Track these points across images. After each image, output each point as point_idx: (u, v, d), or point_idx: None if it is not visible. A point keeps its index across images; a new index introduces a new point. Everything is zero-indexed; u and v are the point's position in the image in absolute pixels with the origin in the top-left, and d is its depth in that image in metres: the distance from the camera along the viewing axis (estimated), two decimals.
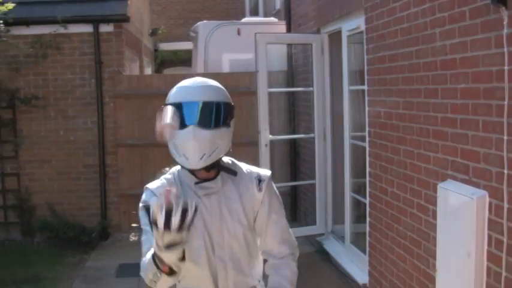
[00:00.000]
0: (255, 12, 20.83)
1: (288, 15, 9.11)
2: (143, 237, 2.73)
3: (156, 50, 17.17)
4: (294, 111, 9.21)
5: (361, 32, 6.11)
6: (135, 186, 9.04)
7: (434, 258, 4.31)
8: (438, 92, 4.31)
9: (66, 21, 8.70)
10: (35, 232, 8.94)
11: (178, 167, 2.86)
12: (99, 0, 9.12)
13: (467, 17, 3.82)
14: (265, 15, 19.51)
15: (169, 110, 2.63)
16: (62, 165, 9.07)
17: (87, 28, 8.91)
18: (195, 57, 12.05)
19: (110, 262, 7.87)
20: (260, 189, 2.82)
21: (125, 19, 8.99)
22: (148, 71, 14.11)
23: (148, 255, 2.53)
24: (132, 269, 7.42)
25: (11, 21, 8.38)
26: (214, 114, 2.71)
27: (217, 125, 2.70)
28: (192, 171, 2.77)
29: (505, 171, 3.46)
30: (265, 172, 2.90)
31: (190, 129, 2.65)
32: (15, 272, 7.44)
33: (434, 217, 4.31)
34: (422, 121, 4.59)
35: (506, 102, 3.42)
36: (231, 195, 2.81)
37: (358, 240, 6.80)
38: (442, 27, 4.19)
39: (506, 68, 3.41)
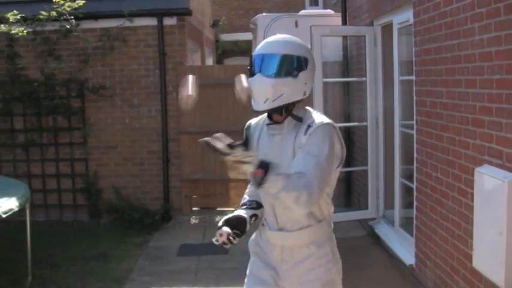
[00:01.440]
0: (315, 3, 20.98)
1: (343, 8, 9.35)
2: None
3: (217, 41, 17.58)
4: (349, 100, 9.46)
5: (411, 25, 6.36)
6: (196, 171, 9.48)
7: (472, 238, 4.59)
8: (476, 82, 4.58)
9: (132, 15, 9.07)
10: (102, 214, 9.43)
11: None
12: None
13: (502, 12, 4.09)
14: (325, 6, 19.67)
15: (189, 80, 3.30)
16: (127, 151, 9.50)
17: (152, 21, 9.28)
18: (254, 48, 12.41)
19: (171, 242, 8.25)
20: (305, 134, 3.14)
21: (188, 12, 9.33)
22: (209, 61, 14.48)
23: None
24: (192, 249, 7.90)
25: (81, 16, 8.91)
26: (277, 65, 3.13)
27: (278, 74, 3.13)
28: (268, 115, 3.30)
29: None
30: (322, 120, 3.18)
31: (256, 76, 3.17)
32: (84, 249, 7.90)
33: (472, 200, 4.60)
34: (463, 110, 4.87)
35: None
36: (289, 138, 3.20)
37: (407, 224, 7.05)
38: (480, 22, 4.45)
39: None
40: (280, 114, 3.24)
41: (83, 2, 8.83)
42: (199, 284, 6.68)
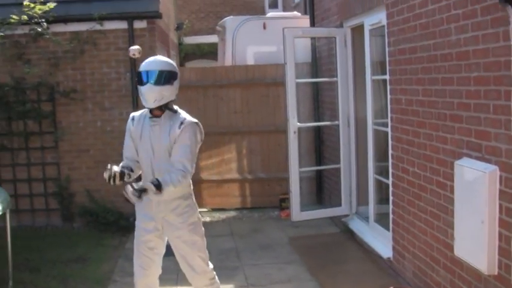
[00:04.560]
0: (273, 5, 21.18)
1: (311, 10, 9.55)
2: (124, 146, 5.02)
3: (180, 44, 17.65)
4: (318, 100, 9.66)
5: (382, 26, 6.58)
6: None
7: (452, 228, 4.82)
8: (454, 80, 4.82)
9: (102, 19, 9.10)
10: (75, 218, 9.40)
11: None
12: None
13: (479, 14, 4.33)
14: (285, 9, 19.91)
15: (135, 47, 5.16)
16: (99, 154, 9.46)
17: (122, 25, 9.28)
18: (221, 51, 12.53)
19: None
20: (179, 128, 4.66)
21: (158, 16, 9.35)
22: None
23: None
24: (170, 249, 7.93)
25: (51, 19, 8.91)
26: (163, 78, 4.63)
27: (162, 83, 4.61)
28: (150, 111, 4.76)
29: None
30: (190, 119, 4.74)
31: (147, 85, 4.62)
32: (61, 253, 7.89)
33: (452, 191, 4.83)
34: (440, 106, 5.10)
35: None
36: (165, 127, 4.70)
37: (381, 219, 7.27)
38: (457, 23, 4.69)
39: None
40: (161, 110, 4.70)
41: (54, 4, 8.82)
42: (182, 283, 6.75)
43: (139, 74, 4.70)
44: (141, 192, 4.51)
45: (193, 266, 4.96)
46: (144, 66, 4.72)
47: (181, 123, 4.67)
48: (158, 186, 4.50)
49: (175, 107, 4.81)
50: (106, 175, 4.59)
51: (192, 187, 4.99)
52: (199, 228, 4.96)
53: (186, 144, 4.66)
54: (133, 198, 4.55)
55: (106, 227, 9.03)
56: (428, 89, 5.33)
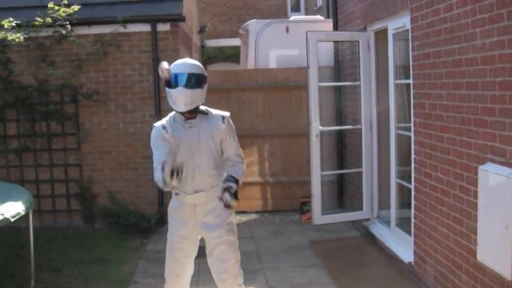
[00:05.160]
0: (296, 9, 21.19)
1: (334, 14, 9.55)
2: (155, 152, 4.63)
3: (202, 47, 17.69)
4: (341, 104, 9.62)
5: (406, 30, 6.56)
6: None
7: (475, 233, 4.78)
8: (479, 84, 4.79)
9: (125, 21, 9.14)
10: (96, 219, 9.45)
11: (174, 112, 4.74)
12: (157, 0, 9.56)
13: (505, 18, 4.29)
14: (307, 12, 19.91)
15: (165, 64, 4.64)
16: (122, 156, 9.52)
17: (145, 27, 9.31)
18: (244, 54, 12.54)
19: None
20: (223, 123, 4.73)
21: (181, 19, 9.37)
22: None
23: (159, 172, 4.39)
24: None
25: (75, 22, 8.98)
26: (192, 81, 4.54)
27: (193, 87, 4.53)
28: (182, 113, 4.65)
29: None
30: (226, 113, 4.81)
31: (178, 88, 4.52)
32: (83, 254, 7.94)
33: (475, 197, 4.79)
34: (464, 111, 5.07)
35: None
36: (204, 127, 4.69)
37: (402, 224, 7.24)
38: (483, 27, 4.66)
39: None
40: (191, 113, 4.64)
41: (78, 7, 8.89)
42: (203, 285, 6.78)
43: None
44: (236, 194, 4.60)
45: (227, 268, 4.85)
46: (173, 68, 4.62)
47: (223, 117, 4.75)
48: (237, 182, 4.65)
49: (203, 107, 4.75)
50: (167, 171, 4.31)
51: None
52: (235, 229, 5.00)
53: (234, 138, 4.84)
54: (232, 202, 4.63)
55: (127, 228, 9.06)
56: (453, 93, 5.30)
